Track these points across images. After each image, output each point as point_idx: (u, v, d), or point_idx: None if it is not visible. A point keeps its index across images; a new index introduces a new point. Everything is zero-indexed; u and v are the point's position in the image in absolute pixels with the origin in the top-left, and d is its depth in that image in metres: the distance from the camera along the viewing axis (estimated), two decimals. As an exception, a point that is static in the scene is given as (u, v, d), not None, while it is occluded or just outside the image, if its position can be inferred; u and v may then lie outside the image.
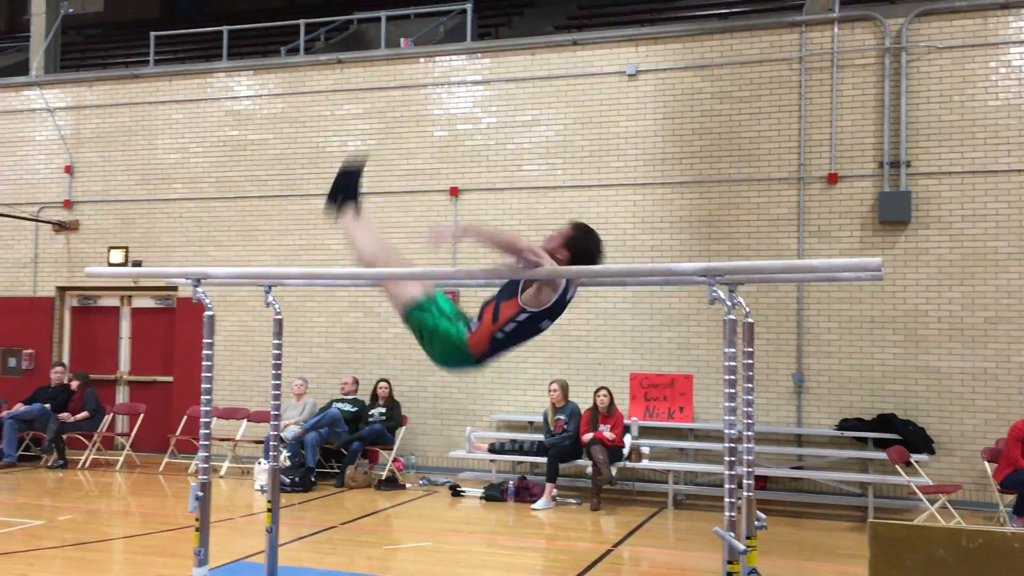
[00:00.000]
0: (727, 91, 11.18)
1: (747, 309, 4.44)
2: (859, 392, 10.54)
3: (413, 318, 4.57)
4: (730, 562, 3.85)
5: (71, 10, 15.51)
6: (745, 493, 4.39)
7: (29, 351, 13.82)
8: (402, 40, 13.27)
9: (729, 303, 3.98)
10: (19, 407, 12.37)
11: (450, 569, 7.28)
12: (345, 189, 4.79)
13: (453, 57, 12.37)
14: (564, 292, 4.40)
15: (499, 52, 12.18)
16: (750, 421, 4.39)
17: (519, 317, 4.39)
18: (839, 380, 10.62)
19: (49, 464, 12.10)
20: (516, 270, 4.31)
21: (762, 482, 10.36)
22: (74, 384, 12.54)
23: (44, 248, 13.92)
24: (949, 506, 8.94)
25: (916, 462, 9.51)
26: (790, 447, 10.72)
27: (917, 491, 8.95)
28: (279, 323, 5.34)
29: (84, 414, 12.26)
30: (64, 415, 12.19)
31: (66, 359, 13.78)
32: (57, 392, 12.49)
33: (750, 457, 4.34)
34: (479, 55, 12.25)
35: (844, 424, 10.40)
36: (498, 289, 4.56)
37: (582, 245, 4.40)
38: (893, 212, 10.42)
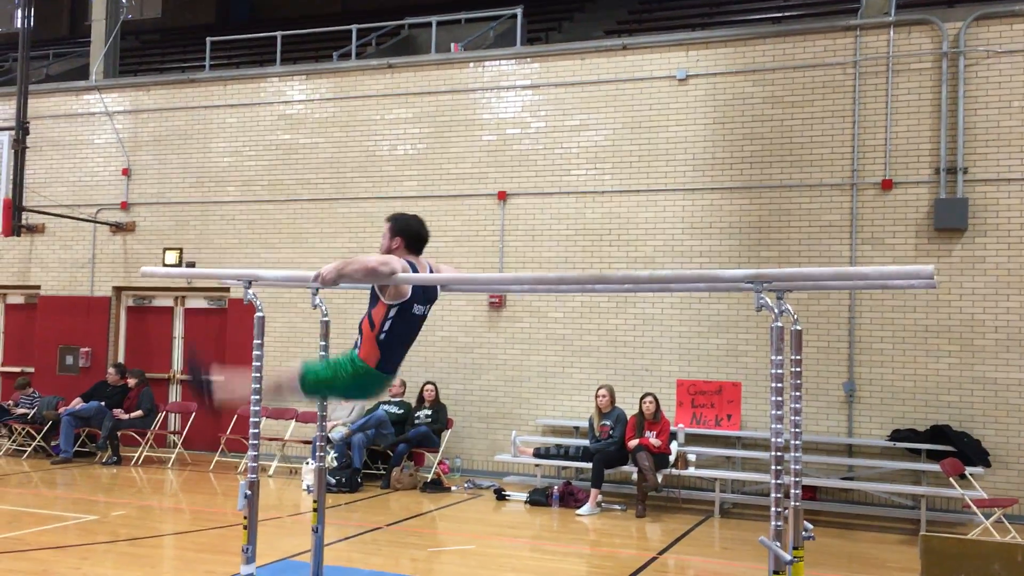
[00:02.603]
0: (779, 96, 11.06)
1: (795, 316, 4.38)
2: (912, 402, 10.34)
3: (309, 384, 4.88)
4: (776, 572, 3.81)
5: (130, 16, 15.85)
6: (792, 503, 4.33)
7: (86, 349, 14.14)
8: (452, 45, 13.35)
9: (776, 310, 3.94)
10: (77, 403, 12.68)
11: (494, 573, 7.29)
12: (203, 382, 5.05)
13: (502, 62, 12.41)
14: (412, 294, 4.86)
15: (548, 57, 12.19)
16: (798, 430, 4.33)
17: (390, 314, 4.81)
18: (891, 390, 10.42)
19: (104, 460, 12.37)
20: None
21: (812, 492, 10.20)
22: (131, 381, 12.81)
23: (101, 249, 14.24)
24: (1004, 520, 8.73)
25: (971, 475, 9.30)
26: (840, 457, 10.55)
27: (971, 504, 8.74)
28: (326, 325, 5.40)
29: (138, 413, 12.52)
30: (118, 411, 12.47)
31: (121, 358, 14.08)
32: (115, 391, 12.78)
33: (797, 466, 4.29)
34: (528, 60, 12.27)
35: (896, 435, 10.20)
36: (368, 302, 4.93)
37: (404, 226, 5.04)
38: (949, 219, 10.21)
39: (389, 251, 4.95)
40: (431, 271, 5.06)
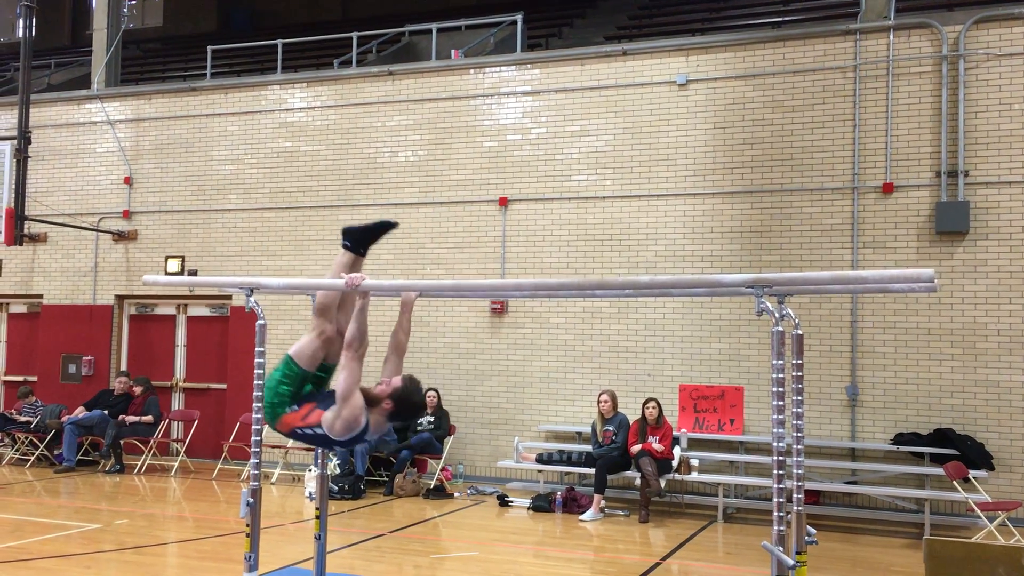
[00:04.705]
0: (779, 100, 11.07)
1: (796, 320, 4.38)
2: (915, 406, 10.32)
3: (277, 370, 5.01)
4: (779, 577, 3.80)
5: (132, 25, 15.90)
6: (795, 507, 4.32)
7: (89, 358, 14.15)
8: (452, 52, 13.37)
9: (777, 315, 3.94)
10: (80, 411, 12.69)
11: (497, 579, 7.28)
12: (367, 241, 5.20)
13: (503, 68, 12.43)
14: (363, 432, 4.75)
15: (549, 63, 12.21)
16: (800, 434, 4.32)
17: (317, 430, 4.75)
18: (894, 393, 10.41)
19: (107, 469, 12.38)
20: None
21: (815, 497, 10.19)
22: (137, 389, 12.82)
23: (104, 257, 14.26)
24: (1008, 524, 8.72)
25: (974, 478, 9.28)
26: (844, 461, 10.53)
27: (975, 508, 8.73)
28: (328, 332, 5.38)
29: (149, 417, 12.52)
30: (131, 417, 12.45)
31: (124, 366, 14.09)
32: (118, 399, 12.78)
33: (800, 471, 4.28)
34: (529, 66, 12.29)
35: (900, 438, 10.19)
36: (330, 391, 4.90)
37: (406, 398, 4.86)
38: (951, 222, 10.21)
39: (376, 399, 4.81)
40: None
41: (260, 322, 5.09)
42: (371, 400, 4.77)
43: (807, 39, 11.08)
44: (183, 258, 13.70)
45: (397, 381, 4.87)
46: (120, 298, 14.29)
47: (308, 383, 4.94)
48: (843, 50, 10.87)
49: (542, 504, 10.21)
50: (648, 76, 11.63)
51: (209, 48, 15.06)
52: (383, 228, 5.16)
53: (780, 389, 3.98)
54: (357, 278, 4.83)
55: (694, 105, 11.40)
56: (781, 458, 3.98)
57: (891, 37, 10.68)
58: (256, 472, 5.06)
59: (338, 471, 10.93)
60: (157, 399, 12.87)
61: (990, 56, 10.32)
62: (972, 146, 10.29)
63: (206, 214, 13.68)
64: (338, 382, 4.72)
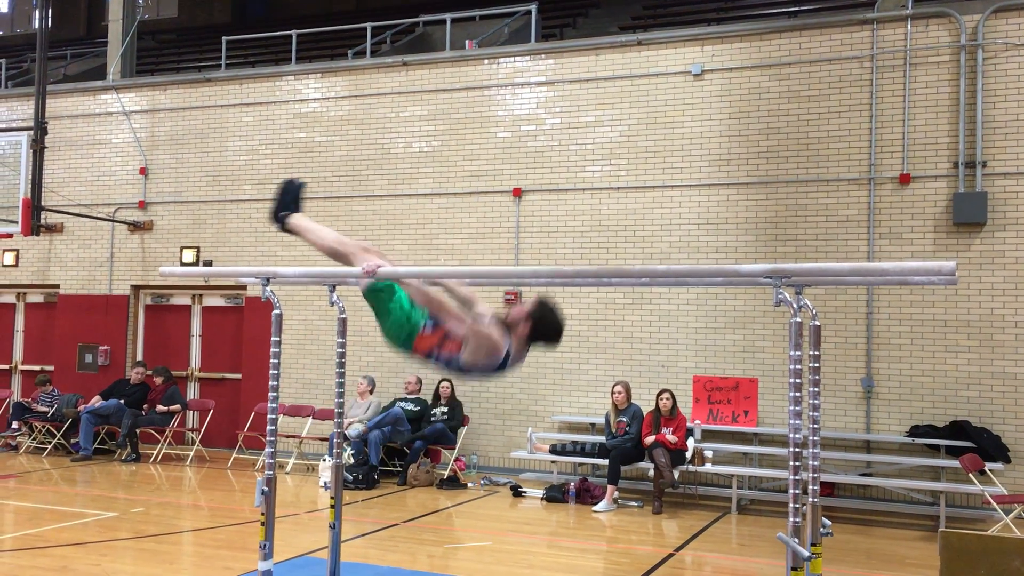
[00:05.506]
0: (795, 90, 11.00)
1: (814, 312, 4.36)
2: (931, 398, 10.27)
3: (371, 297, 4.78)
4: (794, 569, 3.79)
5: (147, 16, 15.94)
6: (810, 499, 4.31)
7: (105, 348, 14.24)
8: (467, 42, 13.35)
9: (795, 305, 3.92)
10: (97, 401, 12.78)
11: (510, 569, 7.29)
12: (288, 206, 5.15)
13: (517, 58, 12.40)
14: (505, 360, 4.45)
15: (563, 53, 12.17)
16: (816, 426, 4.30)
17: (452, 360, 4.52)
18: (910, 385, 10.36)
19: (123, 458, 12.47)
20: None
21: (829, 489, 10.16)
22: (158, 380, 12.90)
23: (119, 248, 14.34)
24: (1025, 517, 8.66)
25: (990, 471, 9.22)
26: (859, 453, 10.50)
27: (991, 500, 8.68)
28: (343, 322, 5.41)
29: (177, 406, 12.62)
30: (158, 406, 12.56)
31: (140, 356, 14.17)
32: (136, 389, 12.86)
33: (816, 463, 4.26)
34: (543, 56, 12.26)
35: (915, 431, 10.14)
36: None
37: (545, 316, 4.47)
38: (968, 213, 10.13)
39: (512, 324, 4.47)
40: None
41: (276, 312, 5.09)
42: (507, 327, 4.45)
43: (823, 28, 11.01)
44: (198, 248, 13.76)
45: (528, 304, 4.50)
46: (136, 288, 14.37)
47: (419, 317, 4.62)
48: (860, 39, 10.79)
49: (555, 495, 10.22)
50: (663, 66, 11.58)
51: (224, 39, 15.09)
52: (293, 188, 5.14)
53: (797, 380, 3.97)
54: (374, 265, 4.79)
55: (709, 95, 11.35)
56: (797, 450, 3.96)
57: (908, 26, 10.60)
58: (271, 461, 5.08)
59: (352, 461, 10.97)
60: (178, 388, 12.99)
61: (1009, 45, 10.22)
62: (990, 136, 10.20)
63: (221, 204, 13.73)
64: (473, 314, 4.47)
